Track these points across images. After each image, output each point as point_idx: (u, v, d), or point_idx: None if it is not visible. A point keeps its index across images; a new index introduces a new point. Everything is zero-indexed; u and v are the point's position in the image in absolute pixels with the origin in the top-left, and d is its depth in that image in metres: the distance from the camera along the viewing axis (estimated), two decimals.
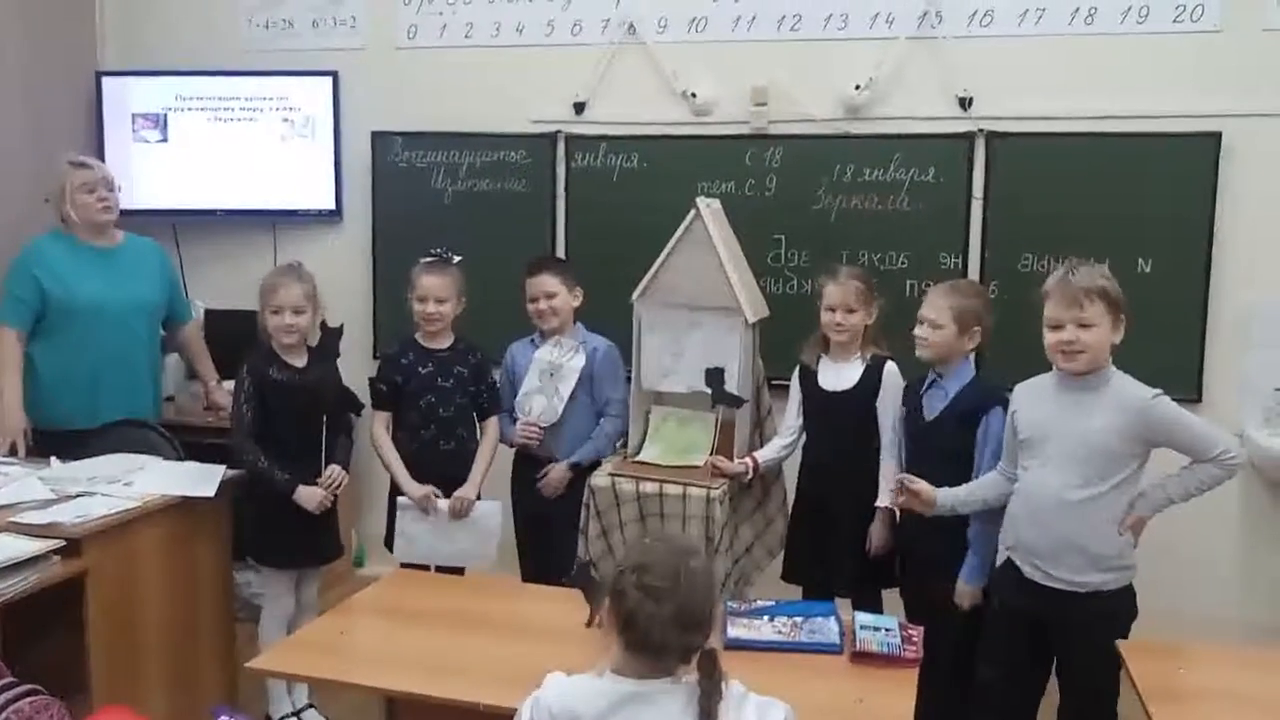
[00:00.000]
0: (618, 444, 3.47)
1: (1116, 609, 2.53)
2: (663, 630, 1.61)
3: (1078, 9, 3.75)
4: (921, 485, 2.75)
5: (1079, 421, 2.50)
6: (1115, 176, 3.74)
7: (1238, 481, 3.65)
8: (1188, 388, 3.69)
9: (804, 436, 3.26)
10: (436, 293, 3.33)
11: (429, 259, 3.39)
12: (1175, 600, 3.61)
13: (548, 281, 3.42)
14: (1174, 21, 3.69)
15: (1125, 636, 2.52)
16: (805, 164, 4.01)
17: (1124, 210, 3.73)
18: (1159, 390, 2.50)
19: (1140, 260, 3.74)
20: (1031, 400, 2.63)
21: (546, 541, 3.40)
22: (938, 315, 2.92)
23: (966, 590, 2.83)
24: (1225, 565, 3.80)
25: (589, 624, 2.33)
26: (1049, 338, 2.53)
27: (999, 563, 2.72)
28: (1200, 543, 3.74)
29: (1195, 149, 3.67)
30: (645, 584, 1.63)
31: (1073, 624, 2.53)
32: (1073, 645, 2.56)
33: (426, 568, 3.34)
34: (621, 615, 1.65)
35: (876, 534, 3.09)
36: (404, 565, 3.35)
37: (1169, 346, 3.67)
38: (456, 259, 3.42)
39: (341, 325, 3.47)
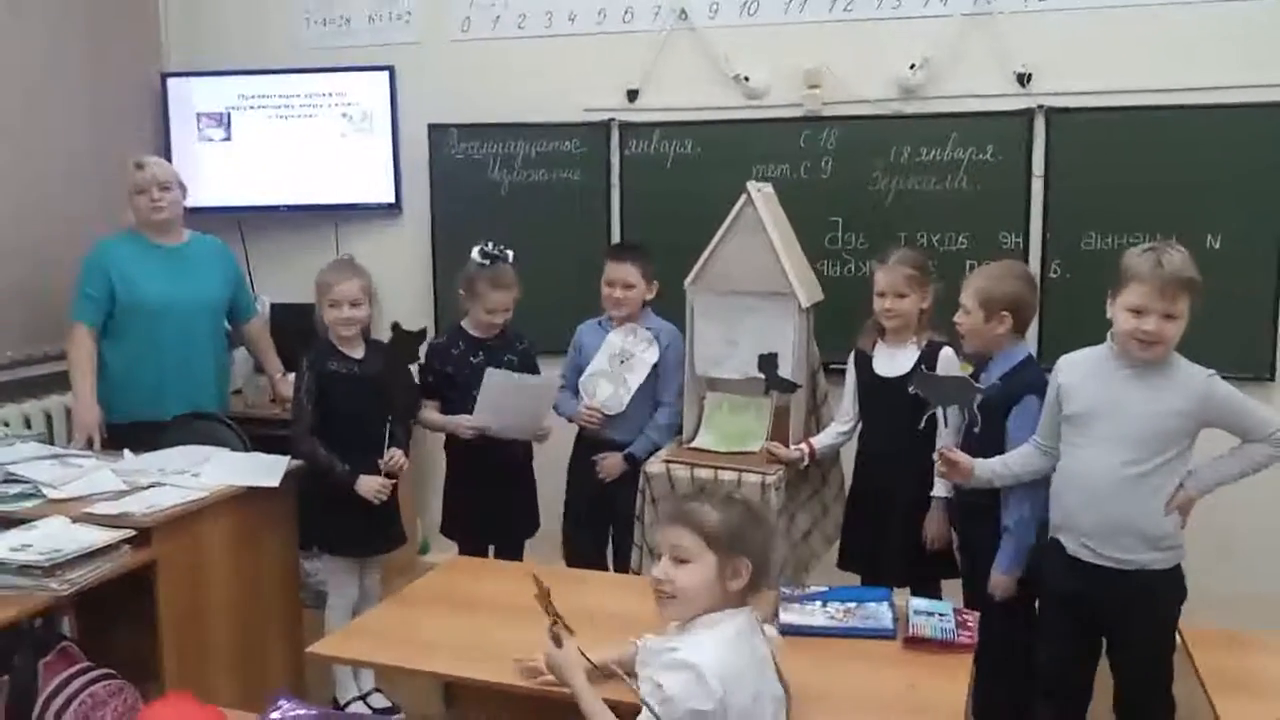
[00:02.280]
0: (671, 435, 3.46)
1: (1165, 588, 2.50)
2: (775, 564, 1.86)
3: None
4: (960, 455, 2.74)
5: (1130, 399, 2.46)
6: (1181, 150, 3.64)
7: None
8: (1260, 367, 3.60)
9: (860, 423, 3.24)
10: (505, 305, 3.41)
11: (485, 261, 3.40)
12: (1245, 585, 3.55)
13: (630, 272, 3.42)
14: None
15: (1175, 617, 2.49)
16: (860, 145, 3.97)
17: (1191, 185, 3.64)
18: (1212, 370, 2.45)
19: (1209, 236, 3.64)
20: (1082, 376, 2.56)
21: (596, 526, 3.43)
22: (966, 300, 2.89)
23: (1001, 579, 2.79)
24: None
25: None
26: (1127, 322, 2.42)
27: (1046, 542, 2.68)
28: (1261, 527, 3.63)
29: (1264, 120, 3.56)
30: (770, 531, 1.93)
31: (1121, 603, 2.50)
32: (1122, 625, 2.53)
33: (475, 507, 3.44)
34: (765, 560, 1.89)
35: (932, 525, 3.05)
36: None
37: (1240, 325, 3.57)
38: (510, 255, 3.45)
39: (424, 329, 3.50)
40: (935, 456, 2.84)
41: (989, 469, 2.76)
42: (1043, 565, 2.70)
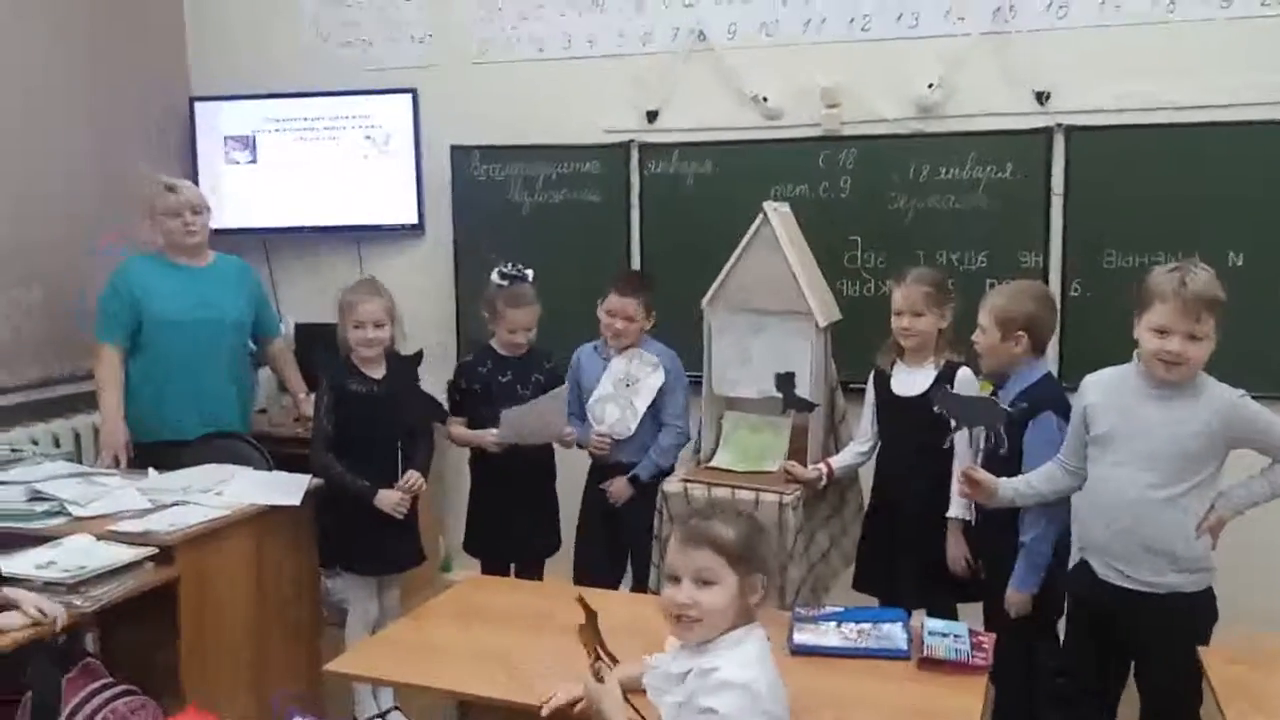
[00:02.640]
0: (676, 456, 3.50)
1: (1195, 611, 2.47)
2: None
3: None
4: (983, 475, 2.72)
5: (1158, 420, 2.43)
6: (1201, 167, 3.61)
7: None
8: None
9: (879, 443, 3.23)
10: (525, 324, 3.44)
11: (505, 282, 3.44)
12: (1273, 601, 3.50)
13: (632, 306, 3.45)
14: (1262, 4, 3.55)
15: (1205, 640, 2.45)
16: (879, 164, 3.98)
17: (1211, 202, 3.61)
18: (1242, 391, 2.44)
19: (1231, 254, 3.60)
20: (1109, 396, 2.54)
21: (601, 547, 3.47)
22: (982, 320, 2.89)
23: (1017, 597, 2.78)
24: None
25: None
26: (1152, 343, 2.40)
27: (1072, 564, 2.66)
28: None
29: None
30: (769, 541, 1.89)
31: (1150, 626, 2.47)
32: (1150, 648, 2.50)
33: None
34: (769, 569, 1.97)
35: (952, 546, 3.03)
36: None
37: (1262, 341, 3.53)
38: (530, 274, 3.48)
39: (420, 352, 3.55)
40: (957, 476, 2.82)
41: (1011, 488, 2.74)
42: (1071, 587, 2.68)
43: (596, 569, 3.45)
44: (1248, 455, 2.49)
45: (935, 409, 2.82)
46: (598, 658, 1.99)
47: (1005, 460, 2.78)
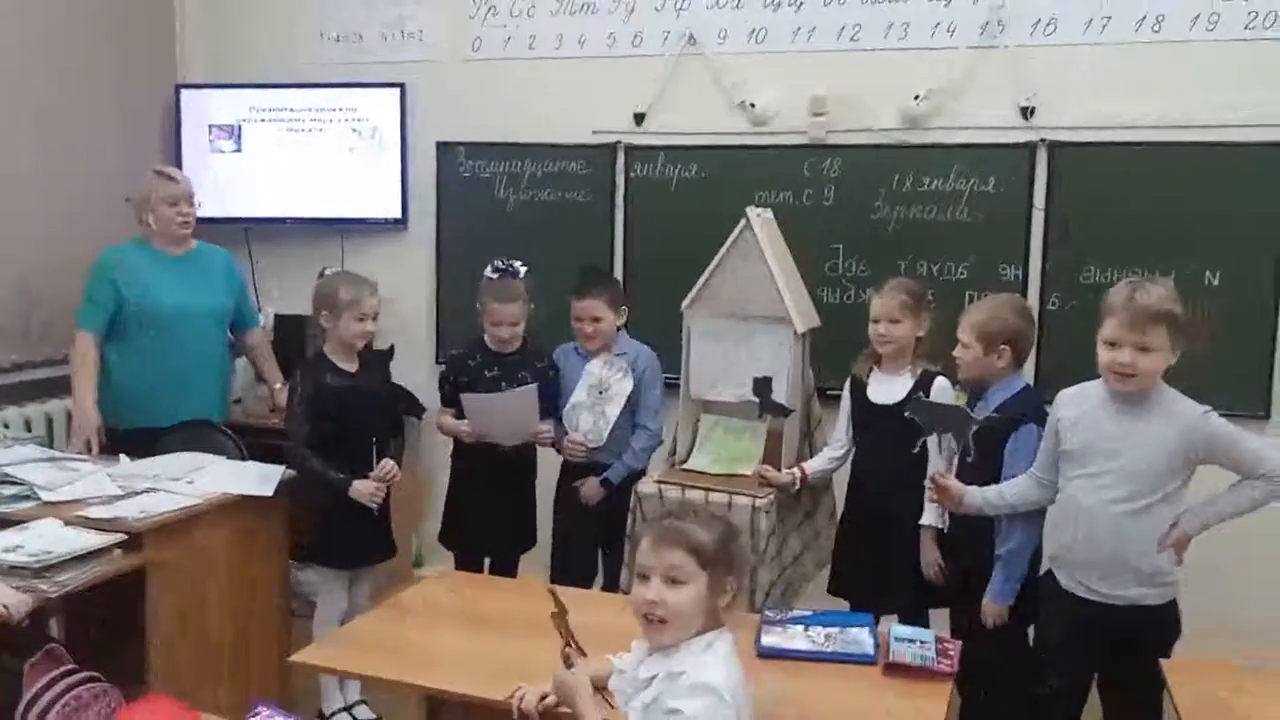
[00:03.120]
0: (649, 458, 3.50)
1: (1158, 624, 2.49)
2: None
3: (1144, 16, 3.67)
4: (951, 482, 2.76)
5: (1129, 436, 2.46)
6: (1181, 187, 3.65)
7: None
8: (1255, 405, 3.59)
9: (854, 449, 3.24)
10: (509, 318, 3.43)
11: (495, 275, 3.45)
12: (1242, 621, 3.52)
13: (596, 306, 3.44)
14: (1245, 28, 3.59)
15: (1168, 653, 2.47)
16: (864, 174, 3.99)
17: (1190, 221, 3.64)
18: (1208, 407, 2.45)
19: (1208, 273, 3.64)
20: (1077, 410, 2.57)
21: (573, 547, 3.47)
22: (963, 335, 2.90)
23: (993, 607, 2.79)
24: None
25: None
26: (1104, 355, 2.47)
27: (1041, 573, 2.68)
28: (1272, 564, 3.62)
29: (1265, 158, 3.56)
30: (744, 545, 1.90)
31: (1115, 639, 2.50)
32: (1114, 661, 2.52)
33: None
34: (741, 573, 1.90)
35: (925, 553, 3.05)
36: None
37: (1237, 361, 3.59)
38: (523, 270, 3.48)
39: (391, 347, 3.55)
40: (927, 482, 2.84)
41: (981, 497, 2.77)
42: (1040, 597, 2.70)
43: (572, 567, 3.44)
44: (1217, 470, 2.51)
45: (906, 415, 2.86)
46: (568, 644, 1.99)
47: (985, 470, 2.79)
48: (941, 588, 3.06)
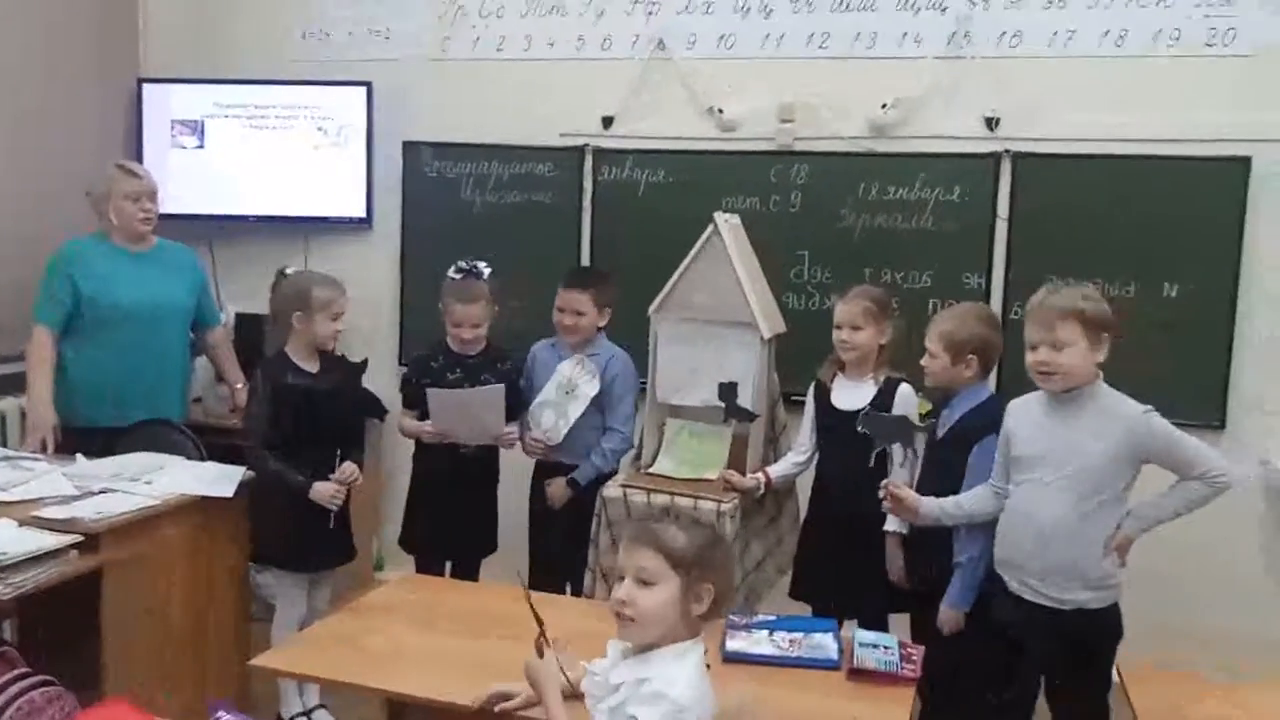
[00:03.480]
0: (618, 460, 3.49)
1: (1101, 627, 2.53)
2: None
3: (1108, 30, 3.73)
4: (905, 492, 2.78)
5: (1069, 438, 2.51)
6: (1142, 200, 3.70)
7: (1260, 511, 3.66)
8: (1211, 414, 3.65)
9: (818, 454, 3.26)
10: (471, 319, 3.41)
11: (458, 276, 3.43)
12: (1196, 631, 3.58)
13: (580, 300, 3.44)
14: (1206, 45, 3.65)
15: (1110, 655, 2.53)
16: (830, 181, 4.02)
17: (1151, 234, 3.70)
18: (1149, 406, 2.49)
19: (1167, 284, 3.70)
20: (1023, 417, 2.63)
21: (549, 547, 3.44)
22: (931, 345, 2.93)
23: (950, 614, 2.82)
24: (1248, 596, 3.72)
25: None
26: (1027, 358, 2.56)
27: (990, 577, 2.72)
28: (1222, 573, 3.69)
29: (1224, 173, 3.63)
30: (731, 555, 1.93)
31: (1058, 641, 2.53)
32: (1058, 663, 2.56)
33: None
34: (728, 584, 1.89)
35: (891, 559, 3.07)
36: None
37: (1194, 371, 3.65)
38: (486, 270, 3.46)
39: (365, 360, 3.52)
40: (881, 492, 2.86)
41: (938, 508, 2.80)
42: (986, 598, 2.73)
43: (548, 569, 3.42)
44: (1162, 472, 2.56)
45: (859, 429, 2.93)
46: (542, 633, 1.99)
47: (952, 480, 2.82)
48: (904, 593, 3.08)
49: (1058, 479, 2.50)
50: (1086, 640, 2.52)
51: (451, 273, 3.48)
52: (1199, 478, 2.47)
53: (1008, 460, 2.66)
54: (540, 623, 2.00)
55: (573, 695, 1.96)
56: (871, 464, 2.95)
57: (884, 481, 2.84)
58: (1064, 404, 2.53)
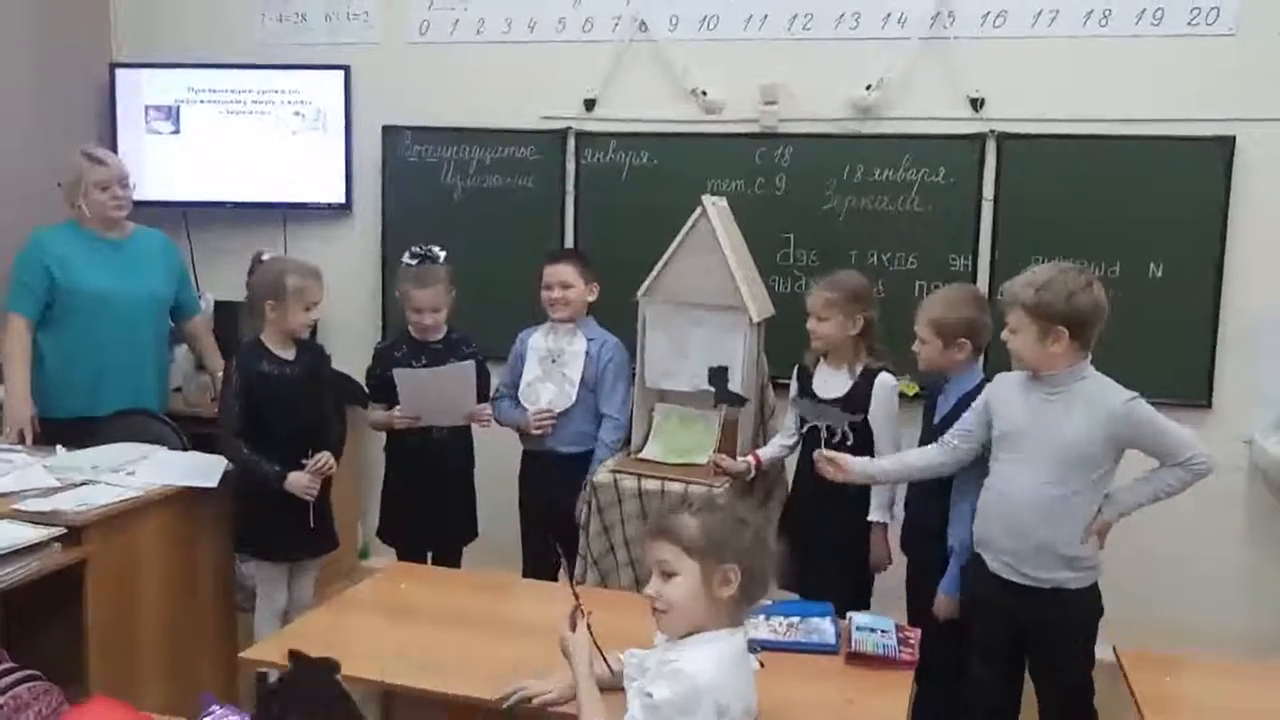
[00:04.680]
0: (618, 449, 3.46)
1: (1081, 606, 2.53)
2: (772, 573, 1.90)
3: (1091, 11, 3.72)
4: (836, 456, 2.84)
5: (1052, 421, 2.51)
6: (1127, 180, 3.71)
7: (1245, 489, 3.69)
8: (1197, 393, 3.66)
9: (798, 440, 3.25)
10: (430, 304, 3.37)
11: (413, 263, 3.40)
12: (1180, 611, 3.62)
13: (565, 272, 3.42)
14: (1189, 24, 3.65)
15: (1091, 635, 2.54)
16: (815, 163, 3.99)
17: (1136, 214, 3.70)
18: (1135, 394, 2.49)
19: (1152, 265, 3.71)
20: (1011, 395, 2.62)
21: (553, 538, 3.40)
22: (921, 331, 2.93)
23: (944, 600, 2.82)
24: (1231, 574, 3.76)
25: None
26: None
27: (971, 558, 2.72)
28: (1206, 551, 3.72)
29: (1208, 153, 3.63)
30: (762, 538, 1.87)
31: (1038, 621, 2.54)
32: (1040, 643, 2.57)
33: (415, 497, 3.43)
34: (757, 569, 1.84)
35: (875, 549, 3.08)
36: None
37: (1179, 351, 3.67)
38: (441, 255, 3.42)
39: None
40: (815, 455, 2.88)
41: (874, 465, 2.89)
42: (970, 578, 2.73)
43: (540, 558, 3.39)
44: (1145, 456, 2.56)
45: (791, 411, 3.09)
46: (578, 606, 1.98)
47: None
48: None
49: (1038, 460, 2.51)
50: (1068, 619, 2.53)
51: (406, 259, 3.44)
52: (1181, 464, 2.47)
53: (980, 423, 2.66)
54: (576, 597, 2.00)
55: (611, 686, 1.96)
56: (803, 435, 3.13)
57: (816, 453, 2.89)
58: (1047, 386, 2.53)
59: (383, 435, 3.58)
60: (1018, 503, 2.53)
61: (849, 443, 3.01)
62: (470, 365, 3.34)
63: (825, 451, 2.87)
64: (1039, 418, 2.52)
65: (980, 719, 2.70)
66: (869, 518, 3.07)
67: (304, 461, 3.15)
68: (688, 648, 1.81)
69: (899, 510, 3.11)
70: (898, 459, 2.86)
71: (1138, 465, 2.57)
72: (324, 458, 3.19)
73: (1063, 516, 2.49)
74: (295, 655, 1.61)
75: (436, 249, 3.43)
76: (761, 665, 1.90)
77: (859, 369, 3.11)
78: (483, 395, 3.43)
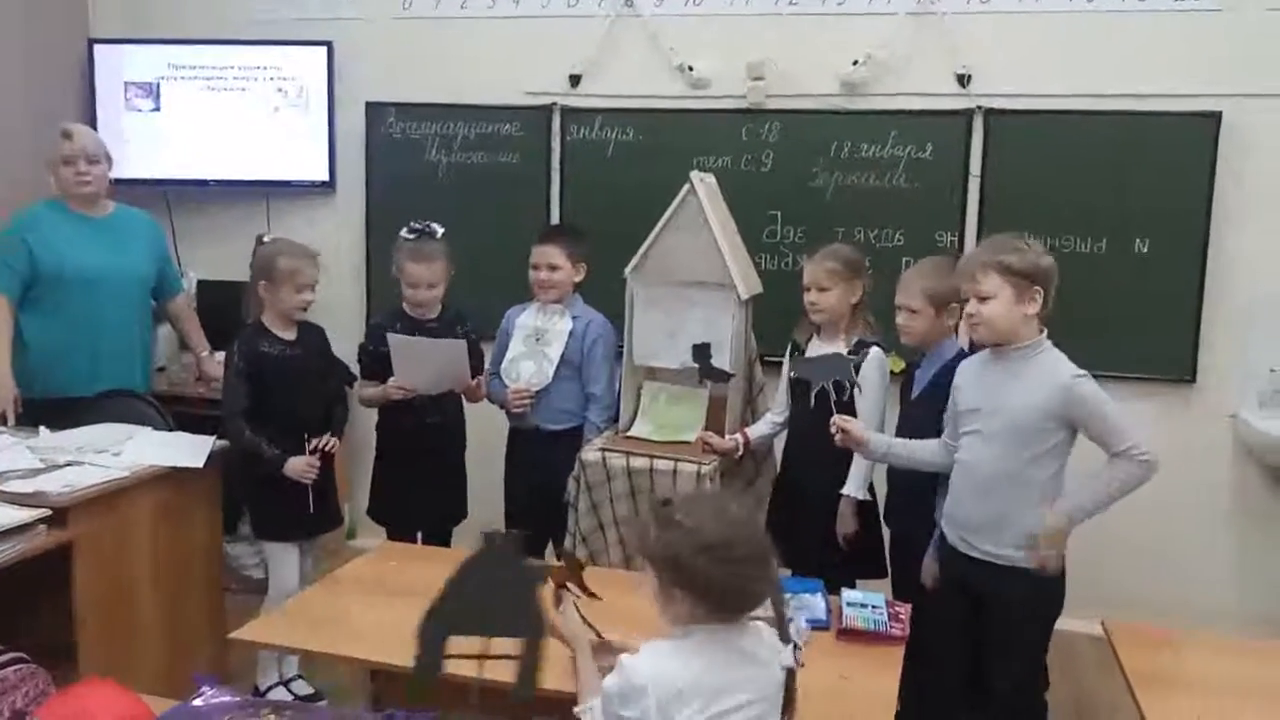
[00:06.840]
0: (605, 430, 3.44)
1: (1036, 587, 2.47)
2: (757, 587, 1.73)
3: None
4: (852, 424, 2.76)
5: (1001, 392, 2.50)
6: (1114, 155, 3.72)
7: (1229, 465, 3.71)
8: (1182, 369, 3.67)
9: (790, 416, 3.24)
10: (427, 279, 3.34)
11: (411, 237, 3.36)
12: (1166, 586, 3.65)
13: (553, 253, 3.39)
14: (1175, 0, 3.65)
15: (1046, 617, 2.52)
16: (802, 140, 3.99)
17: (1122, 189, 3.72)
18: (1084, 372, 2.44)
19: (1138, 240, 3.72)
20: (971, 373, 2.62)
21: (539, 516, 3.40)
22: (911, 300, 2.90)
23: (931, 568, 2.81)
24: (1217, 550, 3.79)
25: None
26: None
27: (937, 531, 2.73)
28: (1191, 528, 3.75)
29: (1195, 128, 3.65)
30: (734, 558, 1.69)
31: (991, 597, 2.52)
32: (992, 619, 2.54)
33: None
34: (715, 591, 1.69)
35: (841, 522, 3.06)
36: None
37: (1164, 327, 3.68)
38: (440, 231, 3.39)
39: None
40: (831, 425, 2.80)
41: (886, 444, 2.81)
42: (936, 552, 2.75)
43: (532, 542, 3.38)
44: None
45: (791, 375, 2.99)
46: (562, 586, 1.97)
47: (926, 435, 2.82)
48: (866, 560, 3.09)
49: (991, 434, 2.50)
50: (1021, 598, 2.48)
51: (404, 234, 3.39)
52: (1122, 454, 2.40)
53: (955, 416, 2.66)
54: (571, 579, 1.99)
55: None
56: (813, 405, 2.88)
57: (833, 418, 2.79)
58: (1003, 360, 2.52)
59: (372, 415, 3.55)
60: (975, 476, 2.53)
61: (844, 397, 2.89)
62: (462, 344, 3.32)
63: (842, 417, 2.79)
64: (996, 391, 2.51)
65: (937, 694, 2.69)
66: (843, 490, 3.04)
67: (311, 440, 3.14)
68: (644, 645, 1.76)
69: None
70: (904, 445, 2.79)
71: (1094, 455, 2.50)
72: (324, 437, 3.19)
73: (1014, 490, 2.46)
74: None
75: (435, 225, 3.40)
76: (801, 665, 1.85)
77: (854, 340, 3.10)
78: (476, 373, 3.41)
